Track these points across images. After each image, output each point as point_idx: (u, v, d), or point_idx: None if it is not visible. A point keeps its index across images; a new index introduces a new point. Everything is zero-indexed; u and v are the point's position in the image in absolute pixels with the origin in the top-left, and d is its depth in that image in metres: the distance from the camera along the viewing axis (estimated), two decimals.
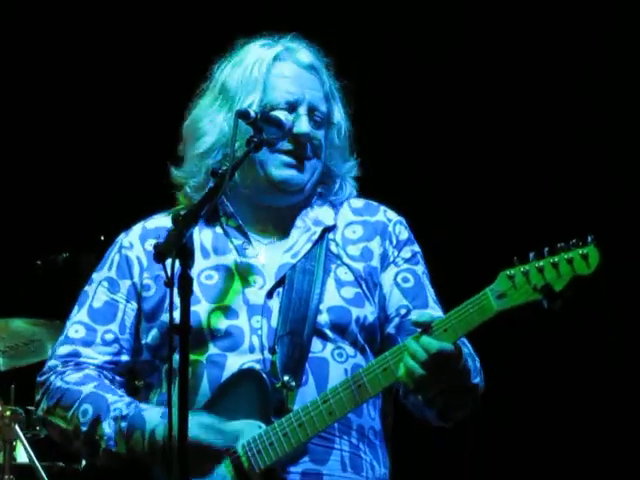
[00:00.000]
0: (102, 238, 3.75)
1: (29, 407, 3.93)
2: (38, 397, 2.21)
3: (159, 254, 1.87)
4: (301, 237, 2.22)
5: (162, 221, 2.26)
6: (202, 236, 2.24)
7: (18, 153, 5.08)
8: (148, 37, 5.08)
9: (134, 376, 2.27)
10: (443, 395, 2.01)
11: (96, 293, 2.27)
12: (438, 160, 4.91)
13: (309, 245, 2.20)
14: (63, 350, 2.23)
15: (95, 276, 2.30)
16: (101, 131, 5.11)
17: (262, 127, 2.12)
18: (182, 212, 2.01)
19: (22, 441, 3.74)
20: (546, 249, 1.84)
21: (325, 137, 2.26)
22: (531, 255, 1.86)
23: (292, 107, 2.20)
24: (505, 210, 4.68)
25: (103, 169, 5.03)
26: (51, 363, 2.23)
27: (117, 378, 2.25)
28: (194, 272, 2.03)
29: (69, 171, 5.07)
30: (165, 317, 2.11)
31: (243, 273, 2.18)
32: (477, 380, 2.06)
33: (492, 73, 4.89)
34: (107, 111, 5.10)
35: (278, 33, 2.32)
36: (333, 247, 2.23)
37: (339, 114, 2.31)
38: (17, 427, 3.71)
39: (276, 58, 2.24)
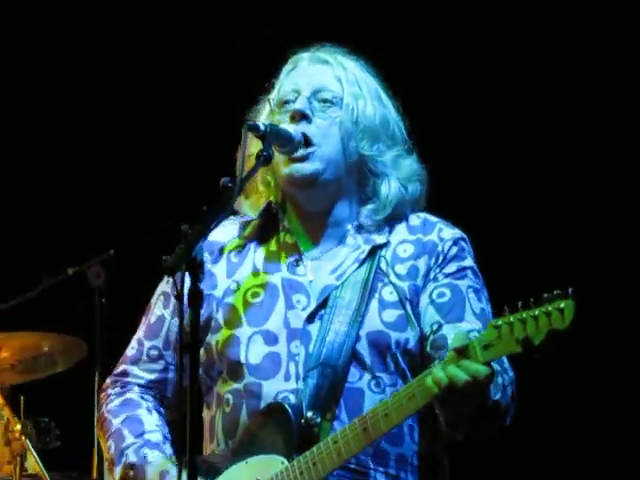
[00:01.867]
0: (112, 252, 3.89)
1: (39, 418, 3.97)
2: (98, 415, 2.35)
3: (168, 269, 1.85)
4: (349, 257, 2.16)
5: (217, 235, 2.22)
6: (256, 254, 2.22)
7: (28, 167, 5.10)
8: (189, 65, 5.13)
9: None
10: (465, 417, 2.00)
11: (154, 307, 2.30)
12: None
13: (355, 266, 2.14)
14: (118, 368, 2.30)
15: (158, 288, 2.32)
16: (111, 146, 5.13)
17: (272, 140, 2.08)
18: (189, 227, 1.97)
19: (32, 453, 3.79)
20: (531, 300, 1.85)
21: (343, 122, 2.15)
22: (519, 304, 1.87)
23: (297, 93, 2.17)
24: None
25: (113, 183, 5.06)
26: (108, 380, 2.31)
27: (167, 396, 2.26)
28: (241, 290, 2.16)
29: (79, 185, 5.09)
30: (209, 337, 2.13)
31: (289, 292, 2.15)
32: (498, 396, 1.99)
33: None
34: (120, 125, 5.13)
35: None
36: (383, 265, 2.16)
37: (368, 101, 2.20)
38: (27, 440, 3.74)
39: (299, 60, 2.25)
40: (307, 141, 2.11)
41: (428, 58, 4.75)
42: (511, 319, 1.86)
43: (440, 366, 1.89)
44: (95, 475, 3.84)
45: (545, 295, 1.84)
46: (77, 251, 4.21)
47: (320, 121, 2.12)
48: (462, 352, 1.87)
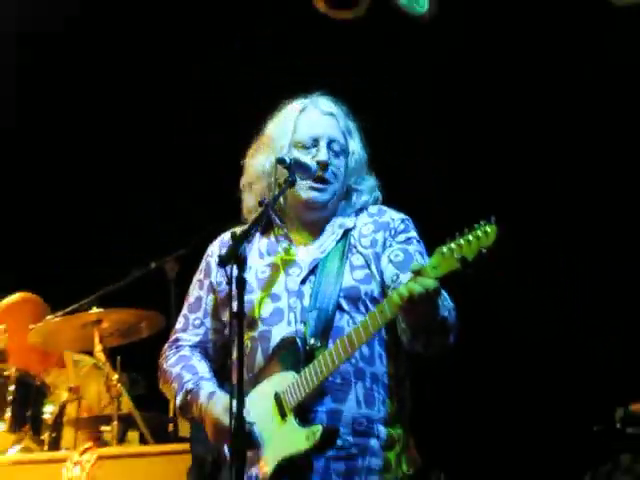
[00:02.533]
0: (183, 251, 4.54)
1: (130, 372, 4.76)
2: (158, 374, 2.91)
3: (222, 262, 2.46)
4: (328, 238, 2.77)
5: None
6: (260, 243, 2.83)
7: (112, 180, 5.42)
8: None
9: (227, 353, 2.72)
10: (422, 329, 2.51)
11: (192, 291, 2.92)
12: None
13: (333, 243, 2.75)
14: (171, 338, 2.93)
15: (194, 278, 2.95)
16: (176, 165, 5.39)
17: (295, 170, 2.68)
18: (238, 230, 2.60)
19: (126, 396, 4.49)
20: (465, 229, 2.34)
21: (345, 165, 2.79)
22: (457, 234, 2.35)
23: (315, 142, 2.76)
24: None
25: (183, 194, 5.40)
26: (164, 347, 2.93)
27: (209, 353, 2.86)
28: (253, 269, 2.71)
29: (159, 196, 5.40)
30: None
31: (286, 267, 2.72)
32: (445, 314, 2.50)
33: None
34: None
35: (308, 92, 2.86)
36: (352, 240, 2.75)
37: (355, 145, 2.83)
38: (122, 387, 4.44)
39: (303, 109, 2.82)
40: (324, 179, 2.75)
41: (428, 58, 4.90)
42: (452, 245, 2.34)
43: (402, 285, 2.42)
44: (171, 414, 4.51)
45: (475, 225, 2.34)
46: (158, 250, 4.82)
47: (334, 168, 2.78)
48: (417, 273, 2.38)
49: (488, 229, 2.33)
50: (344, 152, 2.81)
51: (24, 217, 5.52)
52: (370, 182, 2.89)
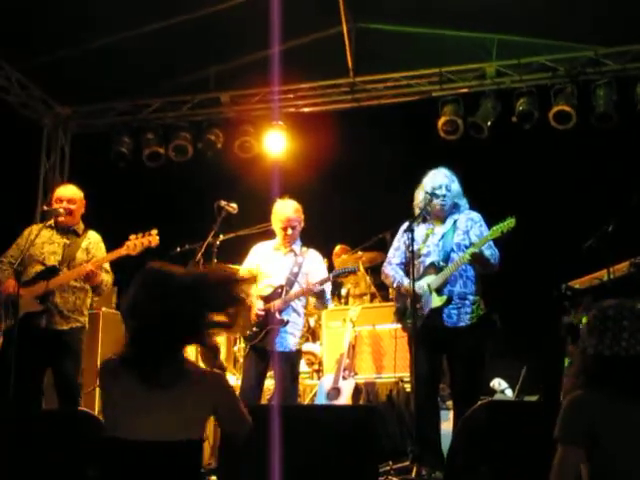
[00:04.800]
0: (178, 249, 6.16)
1: None
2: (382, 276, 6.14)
3: (405, 231, 5.69)
4: (446, 224, 5.62)
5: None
6: (420, 225, 5.73)
7: None
8: None
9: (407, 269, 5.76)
10: (483, 267, 5.48)
11: (394, 243, 5.92)
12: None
13: (449, 226, 5.62)
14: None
15: (394, 242, 5.97)
16: None
17: (432, 197, 5.54)
18: (409, 221, 5.59)
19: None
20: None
21: (451, 194, 5.63)
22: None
23: (440, 186, 5.62)
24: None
25: None
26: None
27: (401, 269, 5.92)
28: (418, 235, 5.66)
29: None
30: None
31: (430, 235, 5.62)
32: (492, 261, 5.47)
33: None
34: None
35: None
36: (457, 224, 5.60)
37: (455, 186, 5.68)
38: None
39: (430, 176, 5.70)
40: (444, 199, 5.74)
41: None
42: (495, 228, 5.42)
43: (468, 250, 5.41)
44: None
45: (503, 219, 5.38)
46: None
47: (448, 194, 5.67)
48: (474, 245, 5.44)
49: (510, 219, 5.33)
50: (449, 190, 5.69)
51: None
52: (463, 201, 5.76)
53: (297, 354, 6.08)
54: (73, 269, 5.61)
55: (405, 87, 8.58)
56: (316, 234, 6.45)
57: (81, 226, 5.87)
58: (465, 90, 8.39)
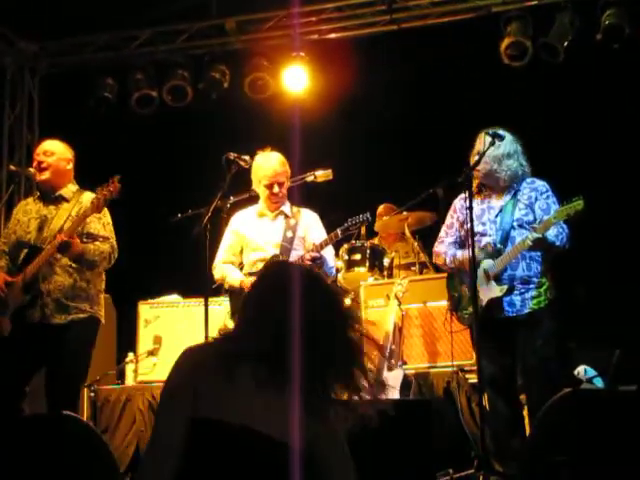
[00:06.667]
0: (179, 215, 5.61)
1: None
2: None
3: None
4: (507, 196, 5.00)
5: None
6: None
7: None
8: None
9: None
10: (547, 249, 4.84)
11: (448, 213, 5.23)
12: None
13: (509, 198, 4.99)
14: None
15: (449, 213, 5.43)
16: None
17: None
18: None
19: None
20: (564, 202, 4.74)
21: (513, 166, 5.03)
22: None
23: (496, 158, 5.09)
24: None
25: None
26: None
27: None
28: (475, 209, 4.89)
29: None
30: None
31: (484, 215, 5.01)
32: (557, 243, 4.78)
33: None
34: None
35: None
36: (519, 196, 4.98)
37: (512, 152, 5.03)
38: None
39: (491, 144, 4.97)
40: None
41: None
42: (563, 209, 4.74)
43: (529, 235, 4.77)
44: None
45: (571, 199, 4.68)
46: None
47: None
48: (535, 230, 4.78)
49: (578, 200, 4.67)
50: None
51: None
52: (525, 165, 5.08)
53: None
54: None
55: (457, 2, 7.68)
56: (354, 192, 6.26)
57: (70, 189, 5.28)
58: (534, 2, 7.37)
